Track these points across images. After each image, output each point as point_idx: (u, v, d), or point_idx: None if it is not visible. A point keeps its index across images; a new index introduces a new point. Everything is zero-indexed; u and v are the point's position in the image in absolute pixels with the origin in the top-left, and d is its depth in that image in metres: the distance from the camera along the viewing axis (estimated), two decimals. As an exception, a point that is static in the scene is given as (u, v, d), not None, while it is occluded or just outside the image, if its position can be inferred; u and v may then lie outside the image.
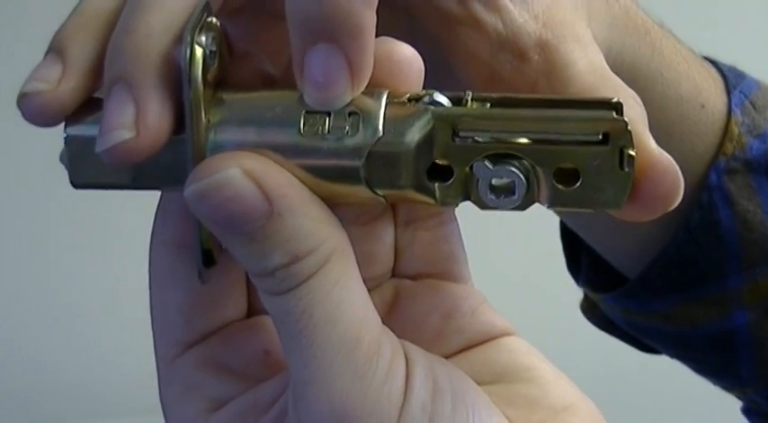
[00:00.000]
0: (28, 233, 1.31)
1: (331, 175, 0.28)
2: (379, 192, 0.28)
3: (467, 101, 0.29)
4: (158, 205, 0.31)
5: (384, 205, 0.30)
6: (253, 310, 0.32)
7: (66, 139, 0.30)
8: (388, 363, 0.27)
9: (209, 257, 0.29)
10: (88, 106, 0.29)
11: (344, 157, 0.28)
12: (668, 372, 1.35)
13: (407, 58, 0.29)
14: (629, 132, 0.28)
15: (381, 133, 0.28)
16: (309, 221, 0.27)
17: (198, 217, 0.28)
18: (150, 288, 0.31)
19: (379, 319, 0.28)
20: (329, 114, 0.28)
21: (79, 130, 0.29)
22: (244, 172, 0.27)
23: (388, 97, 0.28)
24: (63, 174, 0.30)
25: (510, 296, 1.23)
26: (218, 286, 0.31)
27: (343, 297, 0.27)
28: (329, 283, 0.27)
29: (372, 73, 0.28)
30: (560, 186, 0.28)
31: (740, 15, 1.32)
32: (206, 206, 0.27)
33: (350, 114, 0.28)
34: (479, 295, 0.32)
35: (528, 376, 0.30)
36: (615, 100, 0.28)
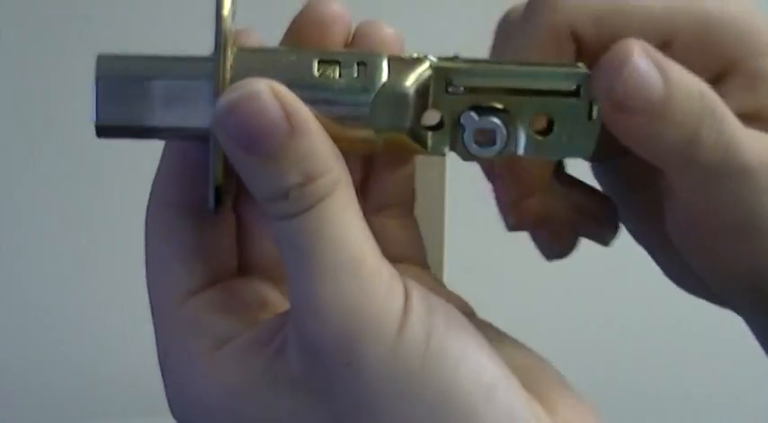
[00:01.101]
0: (28, 232, 1.31)
1: (339, 114, 0.31)
2: (380, 134, 0.32)
3: (456, 56, 0.33)
4: (157, 170, 0.33)
5: (379, 149, 0.32)
6: (245, 266, 0.34)
7: (97, 74, 0.31)
8: (388, 282, 0.29)
9: (218, 197, 0.31)
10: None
11: (353, 96, 0.31)
12: (668, 371, 1.35)
13: (333, 15, 0.32)
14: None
15: (386, 78, 0.31)
16: (323, 146, 0.30)
17: (222, 135, 0.29)
18: (147, 248, 0.32)
19: (379, 252, 0.30)
20: (339, 63, 0.31)
21: (111, 67, 0.31)
22: (271, 90, 0.29)
23: (389, 55, 0.32)
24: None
25: (509, 296, 1.24)
26: (214, 243, 0.32)
27: (351, 221, 0.30)
28: (340, 206, 0.30)
29: (303, 33, 0.32)
30: (536, 136, 0.33)
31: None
32: (234, 118, 0.29)
33: (358, 64, 0.31)
34: (433, 278, 0.35)
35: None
36: (582, 64, 0.33)
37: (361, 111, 0.31)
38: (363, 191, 0.35)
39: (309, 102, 0.30)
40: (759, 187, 0.33)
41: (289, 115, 0.29)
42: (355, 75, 0.31)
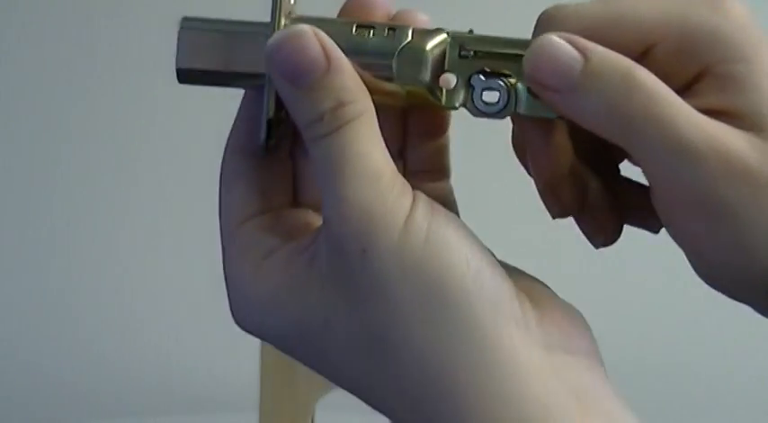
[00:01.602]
0: (28, 232, 1.31)
1: (371, 66, 0.38)
2: (404, 86, 0.38)
3: (471, 30, 0.40)
4: (235, 119, 0.40)
5: (403, 102, 0.39)
6: (298, 203, 0.41)
7: (180, 27, 0.39)
8: (400, 189, 0.36)
9: (270, 131, 0.38)
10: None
11: (383, 51, 0.38)
12: (668, 370, 1.35)
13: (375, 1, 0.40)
14: None
15: (410, 38, 0.38)
16: (354, 81, 0.37)
17: (273, 70, 0.37)
18: (220, 184, 0.40)
19: (395, 169, 0.37)
20: (374, 27, 0.39)
21: (191, 24, 0.39)
22: (313, 32, 0.37)
23: (414, 27, 0.39)
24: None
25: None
26: (270, 181, 0.40)
27: (373, 141, 0.37)
28: (364, 129, 0.36)
29: (350, 15, 0.39)
30: (533, 97, 0.39)
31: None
32: (282, 54, 0.36)
33: (388, 29, 0.39)
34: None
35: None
36: None
37: (388, 64, 0.38)
38: (401, 157, 0.41)
39: (347, 54, 0.37)
40: (713, 173, 0.36)
41: (327, 53, 0.37)
42: (386, 34, 0.39)
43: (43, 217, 1.30)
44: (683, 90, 0.38)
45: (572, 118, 0.38)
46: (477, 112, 0.39)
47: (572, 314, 0.39)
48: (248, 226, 0.39)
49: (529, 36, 0.40)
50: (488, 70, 0.39)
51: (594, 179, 0.42)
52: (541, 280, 0.40)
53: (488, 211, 0.45)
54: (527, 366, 0.35)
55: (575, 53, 0.37)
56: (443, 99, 0.39)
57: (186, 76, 0.40)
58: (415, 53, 0.39)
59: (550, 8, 0.39)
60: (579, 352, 0.37)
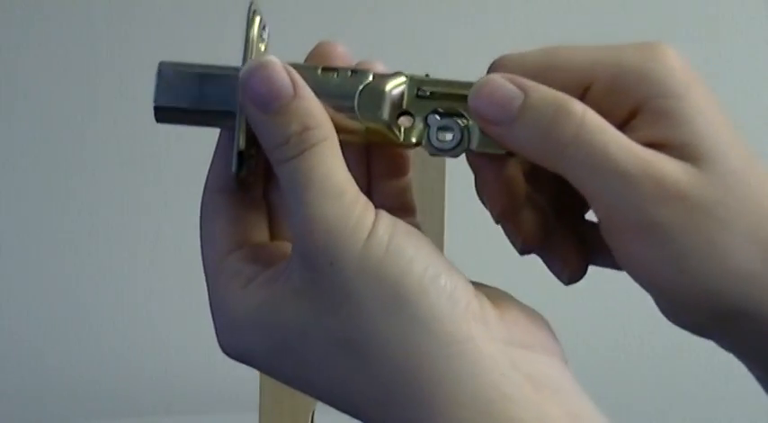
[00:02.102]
0: (31, 231, 1.31)
1: (335, 105, 0.41)
2: (364, 123, 0.41)
3: (427, 74, 0.43)
4: (211, 160, 0.43)
5: (363, 137, 0.42)
6: (274, 238, 0.44)
7: (160, 65, 0.42)
8: (363, 206, 0.39)
9: (241, 163, 0.41)
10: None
11: (346, 91, 0.42)
12: (669, 370, 1.34)
13: (337, 53, 0.43)
14: None
15: (371, 80, 0.42)
16: (318, 109, 0.40)
17: (244, 95, 0.40)
18: (201, 222, 0.43)
19: (358, 188, 0.39)
20: (337, 70, 0.42)
21: (168, 67, 0.42)
22: (281, 63, 0.40)
23: (375, 72, 0.43)
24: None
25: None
26: (249, 218, 0.43)
27: (336, 163, 0.39)
28: (328, 152, 0.39)
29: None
30: (484, 135, 0.42)
31: (741, 15, 1.33)
32: (254, 79, 0.40)
33: (351, 72, 0.42)
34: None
35: None
36: None
37: (350, 104, 0.41)
38: (368, 196, 0.42)
39: (315, 92, 0.40)
40: (647, 196, 0.39)
41: (293, 82, 0.40)
42: (349, 75, 0.42)
43: (45, 216, 1.29)
44: (621, 126, 0.41)
45: (513, 149, 0.41)
46: (433, 149, 0.42)
47: (533, 315, 0.41)
48: (231, 257, 0.42)
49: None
50: (443, 110, 0.42)
51: (557, 218, 0.45)
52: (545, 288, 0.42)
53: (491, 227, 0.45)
54: (485, 356, 0.38)
55: (515, 90, 0.41)
56: (401, 136, 0.42)
57: (163, 114, 0.42)
58: (375, 93, 0.42)
59: (499, 57, 0.43)
60: (539, 348, 0.40)
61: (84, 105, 1.27)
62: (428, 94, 0.42)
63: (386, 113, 0.42)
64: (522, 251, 0.45)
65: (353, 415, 0.40)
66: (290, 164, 0.39)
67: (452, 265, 0.40)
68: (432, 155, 0.43)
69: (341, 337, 0.38)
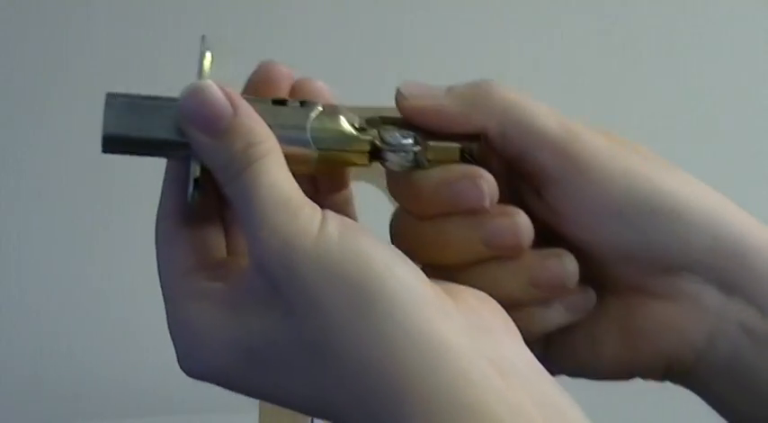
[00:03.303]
0: (28, 232, 1.31)
1: (286, 135, 0.42)
2: (318, 151, 0.43)
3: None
4: (162, 188, 0.43)
5: (313, 166, 0.43)
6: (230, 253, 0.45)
7: (107, 96, 0.42)
8: (310, 211, 0.40)
9: (196, 189, 0.42)
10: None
11: (297, 121, 0.43)
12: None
13: (279, 73, 0.44)
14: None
15: (321, 109, 0.43)
16: (259, 125, 0.41)
17: (185, 121, 0.40)
18: (156, 247, 0.43)
19: (304, 195, 0.40)
20: (287, 101, 0.43)
21: (116, 98, 0.42)
22: (217, 85, 0.41)
23: (324, 103, 0.44)
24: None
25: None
26: (204, 237, 0.43)
27: (281, 174, 0.40)
28: (272, 164, 0.40)
29: (258, 85, 0.44)
30: (434, 141, 0.44)
31: (740, 15, 1.33)
32: (192, 104, 0.40)
33: (300, 102, 0.43)
34: None
35: None
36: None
37: (303, 133, 0.43)
38: None
39: (267, 124, 0.41)
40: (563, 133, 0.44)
41: (232, 102, 0.40)
42: (298, 104, 0.43)
43: (45, 215, 1.30)
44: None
45: (447, 125, 0.44)
46: (391, 147, 0.44)
47: (485, 299, 0.42)
48: (189, 278, 0.42)
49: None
50: (400, 131, 0.44)
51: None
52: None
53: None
54: (451, 345, 0.38)
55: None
56: (359, 158, 0.44)
57: (112, 144, 0.43)
58: (331, 119, 0.43)
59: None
60: (496, 330, 0.40)
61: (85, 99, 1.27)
62: (377, 118, 0.44)
63: (347, 128, 0.43)
64: None
65: (325, 416, 0.41)
66: (236, 180, 0.40)
67: (406, 257, 0.40)
68: (390, 164, 0.44)
69: (307, 339, 0.39)
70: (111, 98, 0.43)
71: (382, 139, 0.44)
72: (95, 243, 1.30)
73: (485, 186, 0.43)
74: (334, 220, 0.40)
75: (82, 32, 1.27)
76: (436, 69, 0.88)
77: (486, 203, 0.43)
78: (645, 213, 0.44)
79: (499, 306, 0.42)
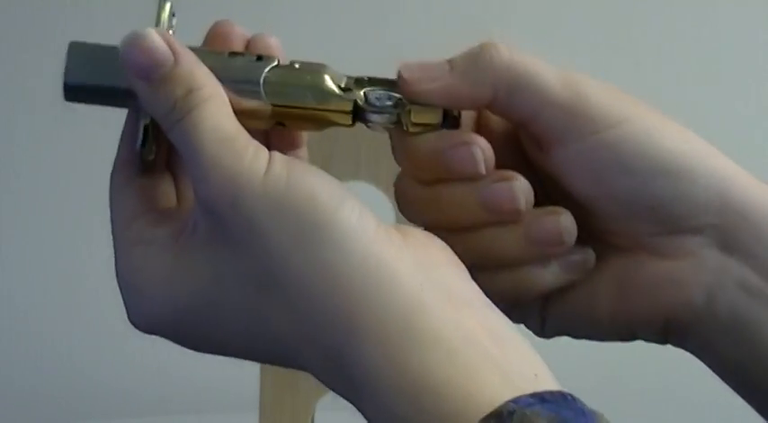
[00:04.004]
0: (30, 229, 1.31)
1: (239, 88, 0.42)
2: (276, 100, 0.43)
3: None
4: (120, 138, 0.43)
5: (268, 119, 0.43)
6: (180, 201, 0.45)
7: (70, 45, 0.43)
8: (255, 150, 0.39)
9: (145, 139, 0.42)
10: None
11: (251, 74, 0.43)
12: (668, 370, 1.34)
13: (232, 31, 0.44)
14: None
15: (276, 63, 0.43)
16: (201, 71, 0.41)
17: (127, 69, 0.40)
18: (110, 200, 0.43)
19: (249, 136, 0.40)
20: (243, 54, 0.43)
21: (79, 46, 0.43)
22: (158, 33, 0.41)
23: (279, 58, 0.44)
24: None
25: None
26: (153, 186, 0.43)
27: (224, 116, 0.40)
28: (214, 108, 0.40)
29: (213, 42, 0.44)
30: (418, 105, 0.43)
31: (740, 15, 1.32)
32: (132, 52, 0.40)
33: (257, 57, 0.43)
34: None
35: None
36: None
37: (256, 87, 0.43)
38: None
39: (219, 77, 0.41)
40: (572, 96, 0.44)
41: (173, 49, 0.40)
42: (254, 60, 0.43)
43: (45, 214, 1.30)
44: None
45: (453, 101, 0.44)
46: (372, 123, 0.44)
47: (431, 237, 0.42)
48: (134, 225, 0.42)
49: None
50: (381, 89, 0.44)
51: None
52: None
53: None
54: (400, 272, 0.38)
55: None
56: (340, 118, 0.44)
57: (73, 93, 0.43)
58: (312, 76, 0.44)
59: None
60: (444, 263, 0.40)
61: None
62: (366, 79, 0.44)
63: (330, 87, 0.43)
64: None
65: (276, 360, 0.40)
66: (179, 125, 0.40)
67: (353, 195, 0.40)
68: (372, 125, 0.44)
69: (255, 274, 0.39)
70: (73, 46, 0.43)
71: (366, 100, 0.43)
72: (95, 243, 1.30)
73: (478, 153, 0.43)
74: (282, 159, 0.40)
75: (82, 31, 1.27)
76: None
77: (482, 170, 0.43)
78: (655, 173, 0.44)
79: (445, 244, 0.42)
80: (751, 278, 0.44)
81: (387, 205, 0.65)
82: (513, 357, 0.38)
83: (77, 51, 0.43)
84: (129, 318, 0.42)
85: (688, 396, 1.31)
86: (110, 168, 0.43)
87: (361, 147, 0.79)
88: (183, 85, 0.40)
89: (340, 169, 0.74)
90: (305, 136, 0.45)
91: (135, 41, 0.40)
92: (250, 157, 0.39)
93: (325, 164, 0.45)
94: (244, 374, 0.87)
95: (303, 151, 0.45)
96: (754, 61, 1.30)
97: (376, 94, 0.44)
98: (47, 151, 1.28)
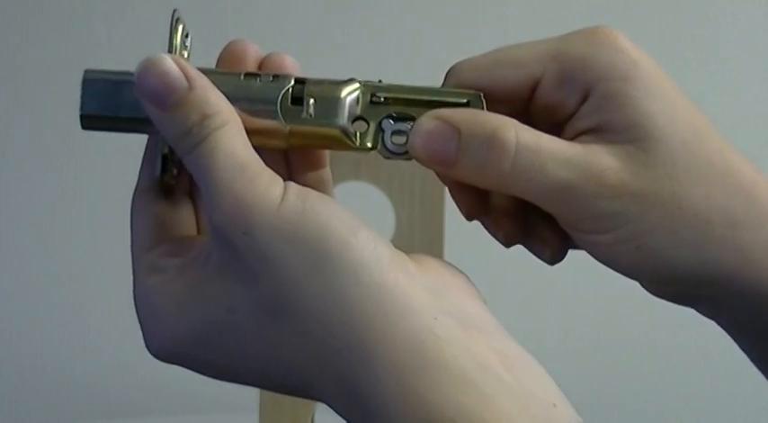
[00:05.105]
0: (30, 231, 1.31)
1: (256, 109, 0.42)
2: (289, 126, 0.42)
3: (380, 80, 0.44)
4: (141, 163, 0.44)
5: (285, 140, 0.43)
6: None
7: (85, 73, 0.43)
8: (268, 179, 0.39)
9: (165, 167, 0.43)
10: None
11: (267, 95, 0.43)
12: (666, 370, 1.34)
13: (247, 50, 0.44)
14: (483, 101, 0.44)
15: (292, 84, 0.43)
16: (215, 96, 0.40)
17: (141, 96, 0.40)
18: (131, 217, 0.44)
19: (263, 164, 0.40)
20: (259, 75, 0.43)
21: (94, 75, 0.43)
22: (172, 59, 0.40)
23: (296, 77, 0.43)
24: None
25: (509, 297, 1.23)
26: (174, 214, 0.44)
27: (239, 143, 0.40)
28: (229, 134, 0.40)
29: (227, 63, 0.44)
30: None
31: (739, 14, 1.33)
32: (146, 79, 0.40)
33: (273, 77, 0.43)
34: None
35: None
36: (474, 91, 0.44)
37: (272, 107, 0.42)
38: None
39: (234, 100, 0.41)
40: (592, 194, 0.42)
41: (186, 75, 0.40)
42: (270, 78, 0.43)
43: (46, 213, 1.30)
44: (572, 114, 0.43)
45: (460, 181, 0.43)
46: (387, 152, 0.44)
47: (445, 264, 0.42)
48: (151, 254, 0.42)
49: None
50: (397, 115, 0.44)
51: (532, 205, 0.45)
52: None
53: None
54: (414, 301, 0.38)
55: (448, 130, 0.42)
56: (357, 141, 0.43)
57: (90, 122, 0.43)
58: (330, 100, 0.43)
59: (454, 65, 0.45)
60: (459, 291, 0.41)
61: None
62: (382, 100, 0.44)
63: (343, 119, 0.43)
64: (506, 245, 0.46)
65: (289, 389, 0.40)
66: (193, 152, 0.40)
67: (369, 226, 0.40)
68: (386, 158, 0.44)
69: (268, 303, 0.38)
70: (89, 75, 0.43)
71: (383, 143, 0.44)
72: (94, 242, 1.30)
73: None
74: (297, 190, 0.39)
75: (81, 30, 1.27)
76: (432, 67, 0.89)
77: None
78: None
79: (461, 271, 0.42)
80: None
81: (387, 205, 0.66)
82: (529, 384, 0.37)
83: (92, 80, 0.43)
84: (146, 346, 0.42)
85: (688, 396, 1.31)
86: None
87: (362, 147, 0.79)
88: (197, 110, 0.40)
89: (340, 170, 0.74)
90: (327, 156, 0.45)
91: (149, 67, 0.40)
92: (264, 186, 0.39)
93: (326, 164, 0.45)
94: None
95: (326, 172, 0.45)
96: (755, 61, 1.30)
97: (394, 127, 0.43)
98: (47, 150, 1.28)
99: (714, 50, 1.29)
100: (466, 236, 0.96)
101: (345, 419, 0.39)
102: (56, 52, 1.25)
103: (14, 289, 1.30)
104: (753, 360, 0.49)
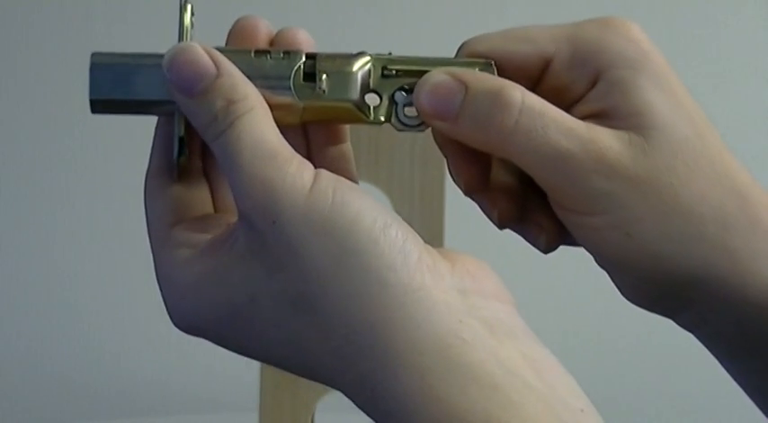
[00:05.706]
0: (30, 231, 1.31)
1: (269, 85, 0.42)
2: (303, 102, 0.42)
3: (390, 53, 0.44)
4: (152, 144, 0.43)
5: (300, 115, 0.43)
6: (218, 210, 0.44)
7: (92, 62, 0.42)
8: (298, 165, 0.39)
9: (182, 148, 0.42)
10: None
11: (280, 71, 0.42)
12: (666, 369, 1.34)
13: (257, 25, 0.44)
14: (493, 68, 0.44)
15: (303, 60, 0.43)
16: (242, 82, 0.40)
17: (170, 82, 0.40)
18: (145, 203, 0.43)
19: (293, 150, 0.40)
20: (270, 52, 0.43)
21: (102, 58, 0.43)
22: (201, 46, 0.41)
23: (307, 52, 0.43)
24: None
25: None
26: (190, 193, 0.43)
27: (266, 128, 0.40)
28: (256, 119, 0.40)
29: (238, 39, 0.44)
30: None
31: (739, 14, 1.33)
32: (176, 65, 0.40)
33: (283, 54, 0.43)
34: None
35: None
36: (485, 60, 0.44)
37: (286, 83, 0.42)
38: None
39: (247, 76, 0.41)
40: (588, 169, 0.41)
41: (215, 61, 0.40)
42: (281, 55, 0.42)
43: (46, 213, 1.30)
44: (580, 98, 0.43)
45: (459, 139, 0.43)
46: (401, 125, 0.44)
47: (481, 264, 0.41)
48: (175, 230, 0.42)
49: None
50: (408, 87, 0.43)
51: (529, 190, 0.45)
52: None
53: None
54: (440, 304, 0.38)
55: (455, 84, 0.42)
56: (371, 115, 0.43)
57: (99, 106, 0.43)
58: (342, 75, 0.43)
59: (466, 40, 0.45)
60: (491, 295, 0.40)
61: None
62: (394, 72, 0.44)
63: (356, 94, 0.43)
64: (500, 225, 0.46)
65: (310, 376, 0.40)
66: (220, 138, 0.40)
67: (402, 220, 0.39)
68: (399, 130, 0.44)
69: (292, 294, 0.38)
70: (97, 57, 0.43)
71: (396, 116, 0.43)
72: (93, 243, 1.30)
73: None
74: (327, 178, 0.39)
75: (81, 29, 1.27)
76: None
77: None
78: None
79: (494, 273, 0.41)
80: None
81: (387, 205, 0.65)
82: (558, 390, 0.37)
83: (100, 64, 0.43)
84: (170, 317, 0.42)
85: (688, 396, 1.31)
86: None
87: (362, 147, 0.79)
88: (224, 96, 0.40)
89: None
90: (347, 131, 0.45)
91: (178, 55, 0.40)
92: (292, 173, 0.38)
93: (326, 164, 0.45)
94: (244, 375, 0.87)
95: (347, 147, 0.45)
96: (755, 61, 1.30)
97: (406, 99, 0.43)
98: (47, 151, 1.28)
99: (714, 50, 1.29)
100: (466, 236, 0.96)
101: (366, 414, 0.38)
102: (56, 52, 1.25)
103: (14, 289, 1.30)
104: (734, 376, 0.49)
